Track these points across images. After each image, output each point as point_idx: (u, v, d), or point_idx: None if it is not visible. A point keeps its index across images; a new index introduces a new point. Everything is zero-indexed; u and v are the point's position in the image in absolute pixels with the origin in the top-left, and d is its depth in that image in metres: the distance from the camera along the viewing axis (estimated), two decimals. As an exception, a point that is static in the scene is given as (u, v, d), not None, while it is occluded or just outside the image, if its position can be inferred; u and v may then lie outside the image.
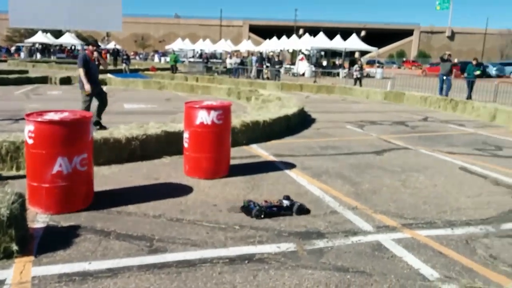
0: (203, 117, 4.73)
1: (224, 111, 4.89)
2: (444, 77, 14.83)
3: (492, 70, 38.53)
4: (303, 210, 3.91)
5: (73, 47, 47.61)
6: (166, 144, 5.93)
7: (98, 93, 7.54)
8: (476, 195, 4.64)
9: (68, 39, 44.27)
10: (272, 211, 3.81)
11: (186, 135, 4.96)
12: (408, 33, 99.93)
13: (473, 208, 4.23)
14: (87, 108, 7.23)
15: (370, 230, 3.60)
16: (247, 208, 3.83)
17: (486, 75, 32.98)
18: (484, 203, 4.38)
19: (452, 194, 4.65)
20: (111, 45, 46.38)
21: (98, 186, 4.33)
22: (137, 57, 61.13)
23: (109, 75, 19.25)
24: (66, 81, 17.92)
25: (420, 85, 17.27)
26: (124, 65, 24.92)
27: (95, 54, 7.48)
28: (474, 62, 15.85)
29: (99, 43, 10.23)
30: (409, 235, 3.52)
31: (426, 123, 10.18)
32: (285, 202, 3.91)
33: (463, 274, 2.91)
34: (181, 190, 4.52)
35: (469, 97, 14.20)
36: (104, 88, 9.23)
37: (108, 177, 4.87)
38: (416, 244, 3.34)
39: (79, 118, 3.87)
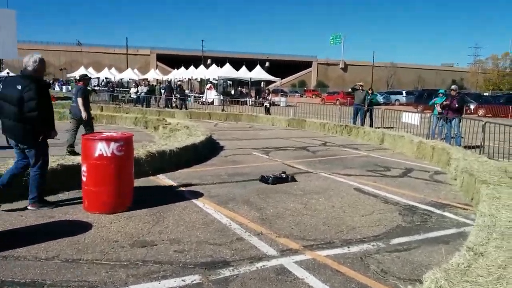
0: (103, 149, 4.52)
1: (126, 142, 4.73)
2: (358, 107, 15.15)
3: (380, 98, 42.88)
4: (293, 179, 6.55)
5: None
6: (64, 179, 5.52)
7: None
8: (369, 214, 5.06)
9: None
10: (281, 177, 6.41)
11: (84, 168, 4.68)
12: (307, 64, 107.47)
13: (366, 226, 4.60)
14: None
15: (274, 254, 3.71)
16: (264, 178, 6.36)
17: (375, 103, 36.47)
18: (376, 221, 4.79)
19: (348, 214, 5.01)
20: (4, 74, 42.32)
21: (-21, 230, 3.86)
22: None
23: None
24: None
25: (319, 112, 18.53)
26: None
27: None
28: (370, 91, 17.26)
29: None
30: (310, 256, 3.69)
31: (325, 147, 10.91)
32: (283, 175, 6.53)
33: (358, 288, 3.13)
34: (79, 227, 4.22)
35: (363, 123, 15.47)
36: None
37: (-8, 218, 4.36)
38: (317, 265, 3.52)
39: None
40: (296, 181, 6.57)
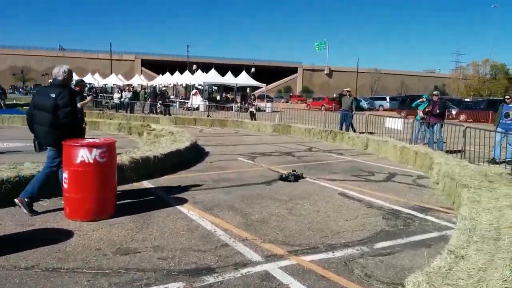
0: (84, 156, 4.46)
1: (108, 149, 4.67)
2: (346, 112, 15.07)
3: (364, 104, 43.40)
4: (301, 176, 7.34)
5: None
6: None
7: None
8: (353, 218, 5.09)
9: None
10: (296, 174, 7.22)
11: (65, 175, 4.60)
12: (293, 70, 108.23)
13: (350, 230, 4.63)
14: None
15: (259, 260, 3.70)
16: (283, 177, 7.15)
17: (359, 108, 36.92)
18: (360, 225, 4.82)
19: (333, 219, 5.04)
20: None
21: (-44, 239, 3.76)
22: (16, 92, 55.77)
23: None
24: None
25: (304, 118, 18.62)
26: (-2, 100, 22.65)
27: None
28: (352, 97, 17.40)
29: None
30: (295, 261, 3.69)
31: (311, 152, 10.97)
32: (294, 173, 7.30)
33: (342, 293, 3.14)
34: (60, 235, 4.14)
35: (347, 128, 15.59)
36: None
37: (-30, 227, 4.26)
38: (301, 270, 3.52)
39: None
40: (305, 178, 7.39)
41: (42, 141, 5.05)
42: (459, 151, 9.67)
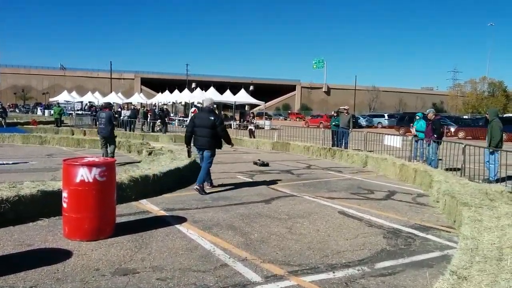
0: (84, 175, 4.46)
1: (108, 168, 4.67)
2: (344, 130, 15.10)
3: (363, 121, 43.62)
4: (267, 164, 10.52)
5: None
6: (44, 205, 5.39)
7: None
8: (353, 237, 5.06)
9: None
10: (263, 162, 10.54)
11: (65, 194, 4.59)
12: (291, 88, 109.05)
13: (351, 250, 4.59)
14: None
15: (259, 280, 3.66)
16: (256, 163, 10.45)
17: (358, 126, 37.11)
18: (360, 244, 4.79)
19: (333, 238, 5.00)
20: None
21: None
22: (17, 110, 56.09)
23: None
24: None
25: (303, 135, 18.67)
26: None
27: None
28: (335, 115, 17.21)
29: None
30: (295, 282, 3.65)
31: (310, 170, 10.95)
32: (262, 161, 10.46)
33: (343, 314, 3.09)
34: (59, 255, 4.10)
35: (347, 146, 15.61)
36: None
37: (-33, 247, 4.22)
38: (302, 290, 3.48)
39: None
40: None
41: (203, 147, 7.45)
42: (458, 169, 9.67)
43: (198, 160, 8.21)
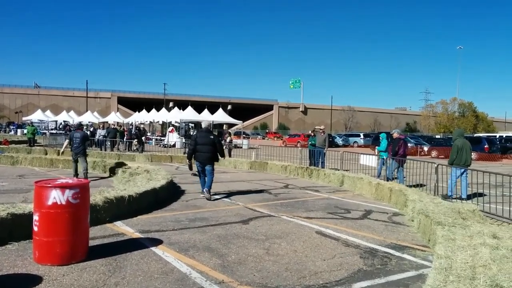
0: (57, 197, 4.34)
1: (81, 189, 4.56)
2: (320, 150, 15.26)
3: (339, 141, 44.27)
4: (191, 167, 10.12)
5: None
6: (14, 229, 5.19)
7: None
8: (331, 257, 5.07)
9: None
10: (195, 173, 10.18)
11: (35, 217, 4.44)
12: (269, 107, 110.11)
13: (328, 270, 4.59)
14: None
15: (236, 303, 3.60)
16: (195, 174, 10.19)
17: (334, 145, 37.64)
18: (337, 265, 4.79)
19: (310, 258, 5.00)
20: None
21: None
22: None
23: None
24: None
25: (281, 154, 18.77)
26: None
27: None
28: (312, 134, 17.54)
29: None
30: (272, 304, 3.62)
31: (287, 189, 10.98)
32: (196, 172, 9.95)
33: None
34: (29, 281, 3.95)
35: (323, 165, 15.80)
36: None
37: None
38: (280, 313, 3.44)
39: None
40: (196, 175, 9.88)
41: (205, 161, 8.83)
42: (421, 185, 9.87)
43: (197, 169, 9.28)
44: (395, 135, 12.47)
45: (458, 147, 9.96)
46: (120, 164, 13.17)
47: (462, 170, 9.78)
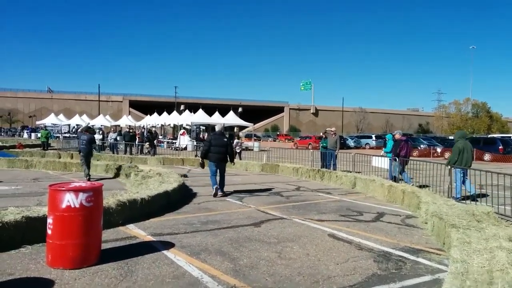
0: (70, 200, 4.36)
1: (95, 193, 4.58)
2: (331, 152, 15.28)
3: (351, 142, 43.96)
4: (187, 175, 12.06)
5: None
6: (28, 232, 5.24)
7: None
8: (344, 261, 5.00)
9: None
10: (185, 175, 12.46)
11: (49, 220, 4.47)
12: (279, 109, 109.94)
13: (342, 275, 4.53)
14: None
15: (249, 308, 3.57)
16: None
17: (346, 147, 37.40)
18: (351, 269, 4.73)
19: (323, 262, 4.94)
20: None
21: None
22: (2, 134, 55.68)
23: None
24: None
25: (292, 156, 18.70)
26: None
27: None
28: (324, 136, 17.50)
29: None
30: (285, 309, 3.57)
31: (299, 192, 10.92)
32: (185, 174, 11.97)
33: None
34: (41, 285, 3.97)
35: (335, 167, 15.70)
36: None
37: None
38: (292, 318, 3.40)
39: None
40: (187, 177, 11.21)
41: (220, 161, 9.65)
42: (426, 186, 9.72)
43: (211, 168, 9.85)
44: (397, 136, 12.31)
45: (460, 149, 9.83)
46: (120, 168, 13.61)
47: (463, 171, 9.72)
